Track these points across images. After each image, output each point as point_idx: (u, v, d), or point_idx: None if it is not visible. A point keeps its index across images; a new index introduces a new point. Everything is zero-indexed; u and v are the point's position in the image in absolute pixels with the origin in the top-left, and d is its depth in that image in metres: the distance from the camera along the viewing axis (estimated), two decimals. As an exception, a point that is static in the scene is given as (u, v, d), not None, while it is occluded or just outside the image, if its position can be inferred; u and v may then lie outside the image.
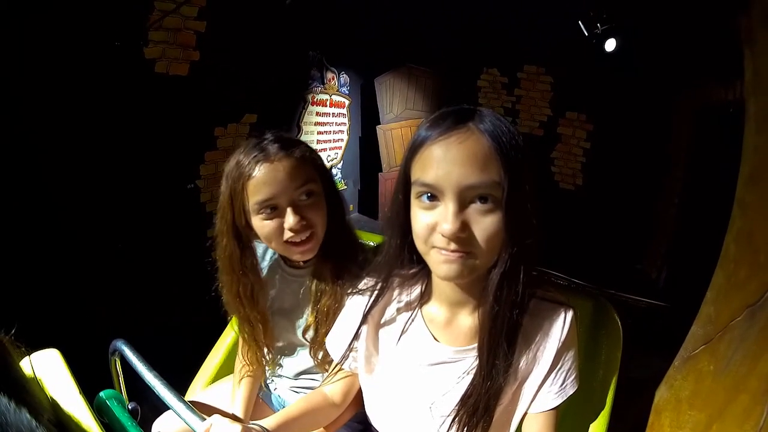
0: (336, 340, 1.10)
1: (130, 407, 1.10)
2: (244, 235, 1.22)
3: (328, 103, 5.09)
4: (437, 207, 0.82)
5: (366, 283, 1.06)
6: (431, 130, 0.84)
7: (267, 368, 1.47)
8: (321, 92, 4.95)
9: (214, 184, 3.44)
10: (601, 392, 1.25)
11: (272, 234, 1.16)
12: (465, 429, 0.91)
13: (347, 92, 5.40)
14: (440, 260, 0.84)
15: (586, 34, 4.45)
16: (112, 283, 2.67)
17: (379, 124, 5.67)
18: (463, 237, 0.80)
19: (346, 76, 5.34)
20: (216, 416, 0.95)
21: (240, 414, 1.35)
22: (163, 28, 2.83)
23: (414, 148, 0.86)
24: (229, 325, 1.68)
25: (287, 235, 1.15)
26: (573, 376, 0.95)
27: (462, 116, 0.83)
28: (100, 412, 1.03)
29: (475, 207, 0.80)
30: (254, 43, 3.56)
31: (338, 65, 5.15)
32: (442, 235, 0.81)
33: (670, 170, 4.64)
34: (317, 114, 4.93)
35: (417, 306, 1.01)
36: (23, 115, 2.21)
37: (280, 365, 1.45)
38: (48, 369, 1.01)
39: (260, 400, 1.50)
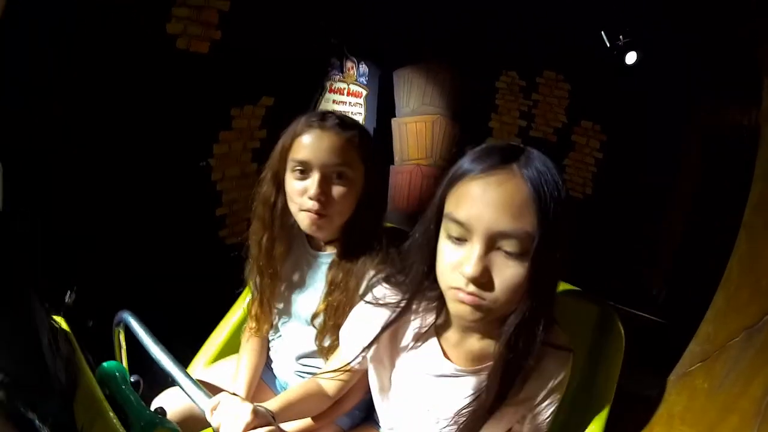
0: (349, 338, 1.12)
1: (132, 380, 1.12)
2: (283, 188, 1.26)
3: (345, 91, 5.08)
4: (464, 246, 0.82)
5: (386, 295, 1.05)
6: (474, 165, 0.83)
7: (270, 336, 1.51)
8: (339, 80, 4.95)
9: (227, 164, 3.46)
10: (599, 400, 1.27)
11: (294, 194, 1.21)
12: None
13: (365, 83, 5.38)
14: (456, 299, 0.84)
15: (608, 45, 4.43)
16: (119, 255, 2.69)
17: (395, 116, 5.67)
18: (483, 281, 0.80)
19: (365, 67, 5.33)
20: (224, 394, 0.96)
21: (242, 394, 1.36)
22: (187, 4, 2.83)
23: (453, 180, 0.86)
24: (235, 304, 1.69)
25: (304, 200, 1.19)
26: (551, 417, 0.99)
27: (508, 155, 0.82)
28: (102, 383, 1.05)
29: (502, 253, 0.79)
30: (276, 27, 3.55)
31: (358, 55, 5.13)
32: (463, 276, 0.80)
33: (679, 188, 4.62)
34: (334, 102, 4.93)
35: (432, 323, 1.02)
36: (40, 83, 2.22)
37: (281, 336, 1.47)
38: (52, 337, 1.03)
39: (262, 381, 1.52)
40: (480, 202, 0.79)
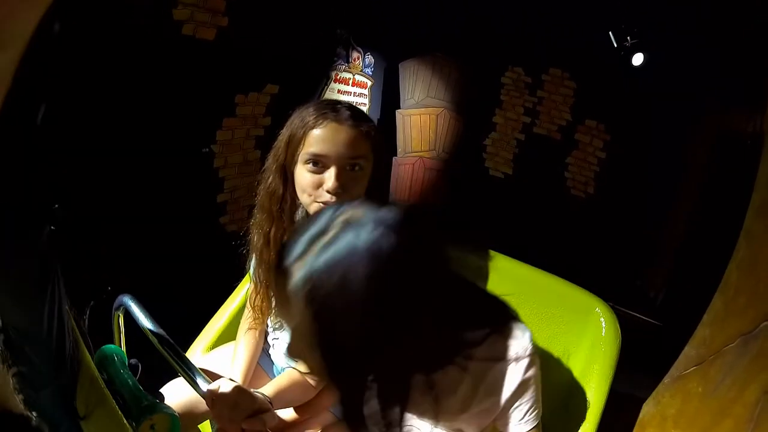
0: None
1: (130, 364, 1.13)
2: (291, 179, 1.26)
3: (350, 82, 5.07)
4: None
5: None
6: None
7: (269, 326, 1.51)
8: (345, 71, 4.93)
9: (230, 151, 3.46)
10: (593, 399, 1.28)
11: (307, 186, 1.20)
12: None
13: (370, 73, 5.37)
14: None
15: (615, 45, 4.42)
16: (119, 239, 2.70)
17: (399, 108, 5.66)
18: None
19: (371, 58, 5.31)
20: (223, 380, 0.97)
21: (239, 380, 1.38)
22: (194, -9, 2.83)
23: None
24: (235, 291, 1.70)
25: (321, 193, 1.19)
26: (535, 411, 0.99)
27: (316, 234, 0.75)
28: (101, 366, 1.05)
29: None
30: (283, 15, 3.54)
31: (365, 46, 5.12)
32: None
33: (681, 191, 4.63)
34: (338, 92, 4.92)
35: None
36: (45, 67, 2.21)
37: (280, 322, 1.48)
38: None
39: (259, 367, 1.53)
40: None
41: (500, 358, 0.95)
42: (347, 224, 0.72)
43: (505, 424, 1.00)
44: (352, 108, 1.24)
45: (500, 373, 0.95)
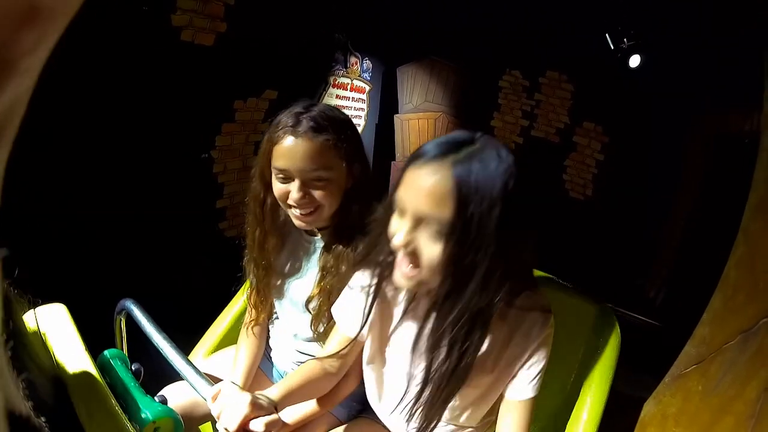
0: (345, 314, 1.18)
1: (133, 368, 1.13)
2: (270, 185, 1.30)
3: (348, 87, 5.08)
4: (401, 221, 0.93)
5: (363, 279, 1.14)
6: (421, 152, 0.93)
7: (269, 325, 1.54)
8: (343, 76, 4.95)
9: (229, 156, 3.47)
10: (594, 399, 1.28)
11: (279, 196, 1.26)
12: (432, 400, 1.02)
13: (369, 78, 5.39)
14: (396, 269, 0.96)
15: (612, 47, 4.43)
16: (120, 244, 2.70)
17: (397, 113, 5.67)
18: (408, 251, 0.92)
19: (369, 63, 5.33)
20: (225, 382, 0.98)
21: (240, 383, 1.39)
22: (193, -4, 2.84)
23: (407, 164, 0.95)
24: (236, 296, 1.70)
25: (290, 201, 1.23)
26: (540, 377, 1.07)
27: (450, 148, 0.91)
28: (103, 370, 1.05)
29: (426, 233, 0.89)
30: (281, 21, 3.56)
31: (363, 51, 5.14)
32: (394, 247, 0.93)
33: (680, 191, 4.63)
34: (337, 97, 4.93)
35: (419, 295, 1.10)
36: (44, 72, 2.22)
37: (279, 323, 1.50)
38: (53, 323, 1.03)
39: (260, 371, 1.54)
40: (412, 187, 0.91)
41: (533, 308, 1.06)
42: (488, 142, 0.92)
43: (516, 383, 1.07)
44: (315, 119, 1.22)
45: (532, 322, 1.05)
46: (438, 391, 1.00)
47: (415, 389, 1.06)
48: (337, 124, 1.25)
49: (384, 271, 1.08)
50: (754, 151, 1.04)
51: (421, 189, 0.88)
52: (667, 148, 4.62)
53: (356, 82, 5.21)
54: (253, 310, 1.49)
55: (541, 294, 1.09)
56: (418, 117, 5.63)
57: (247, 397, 0.92)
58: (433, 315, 0.98)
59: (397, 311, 1.14)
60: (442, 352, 0.98)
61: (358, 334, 1.14)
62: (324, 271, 1.31)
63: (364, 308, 1.11)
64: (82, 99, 2.38)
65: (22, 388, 0.57)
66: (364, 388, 1.31)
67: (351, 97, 5.18)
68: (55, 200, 2.31)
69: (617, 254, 4.78)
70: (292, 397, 1.08)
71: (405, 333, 1.12)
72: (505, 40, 5.07)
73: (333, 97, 4.88)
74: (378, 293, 1.10)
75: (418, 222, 0.90)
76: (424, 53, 5.49)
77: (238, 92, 3.45)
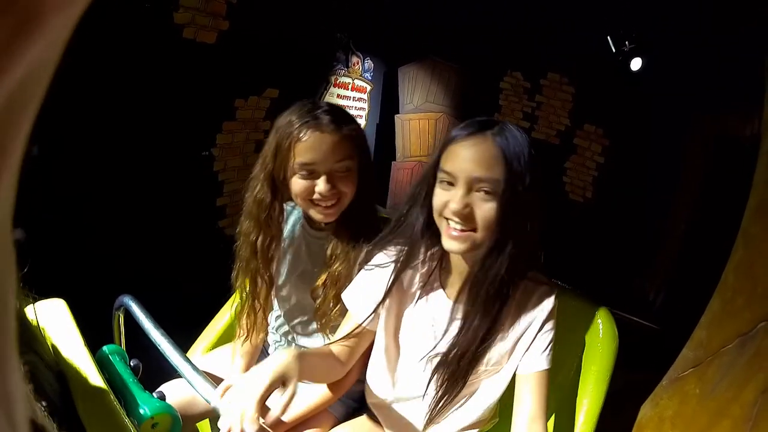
0: (358, 300, 1.22)
1: (131, 364, 1.13)
2: (279, 187, 1.31)
3: (349, 86, 5.09)
4: (452, 190, 1.04)
5: (386, 256, 1.22)
6: (460, 131, 1.08)
7: (270, 328, 1.53)
8: (344, 75, 4.96)
9: (230, 154, 3.46)
10: (590, 401, 1.28)
11: (302, 192, 1.26)
12: (449, 378, 1.12)
13: (370, 78, 5.39)
14: (448, 234, 1.05)
15: (614, 50, 4.44)
16: (120, 241, 2.70)
17: (398, 113, 5.67)
18: (465, 213, 1.02)
19: (371, 62, 5.34)
20: (236, 375, 0.99)
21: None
22: (195, -5, 2.84)
23: (445, 144, 1.09)
24: (235, 293, 1.70)
25: (315, 196, 1.25)
26: (551, 348, 1.15)
27: (484, 126, 1.07)
28: (102, 366, 1.05)
29: (480, 194, 1.02)
30: (283, 19, 3.56)
31: (364, 50, 5.14)
32: (450, 211, 1.03)
33: (680, 194, 4.63)
34: (338, 96, 4.94)
35: (436, 276, 1.20)
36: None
37: (280, 318, 1.50)
38: (52, 318, 1.03)
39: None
40: (461, 157, 1.04)
41: (542, 283, 1.18)
42: (506, 123, 1.09)
43: (528, 357, 1.14)
44: (332, 111, 1.27)
45: (541, 294, 1.16)
46: (464, 356, 1.10)
47: (436, 361, 1.14)
48: (349, 116, 1.31)
49: (410, 250, 1.18)
50: (754, 153, 1.04)
51: (473, 157, 1.02)
52: (666, 149, 4.62)
53: (357, 82, 5.21)
54: (244, 331, 1.43)
55: (543, 275, 1.20)
56: (419, 117, 5.64)
57: (261, 384, 0.92)
58: (473, 276, 1.09)
59: (413, 293, 1.22)
60: (476, 312, 1.09)
61: (376, 309, 1.19)
62: (333, 257, 1.32)
63: (387, 283, 1.18)
64: (84, 95, 2.37)
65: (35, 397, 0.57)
66: (361, 387, 1.32)
67: (352, 97, 5.18)
68: (56, 196, 2.31)
69: (616, 257, 4.78)
70: (308, 373, 1.09)
71: (421, 314, 1.20)
72: (507, 41, 5.07)
73: (334, 97, 4.88)
74: (404, 267, 1.19)
75: (471, 186, 1.02)
76: (425, 54, 5.50)
77: (239, 90, 3.45)
